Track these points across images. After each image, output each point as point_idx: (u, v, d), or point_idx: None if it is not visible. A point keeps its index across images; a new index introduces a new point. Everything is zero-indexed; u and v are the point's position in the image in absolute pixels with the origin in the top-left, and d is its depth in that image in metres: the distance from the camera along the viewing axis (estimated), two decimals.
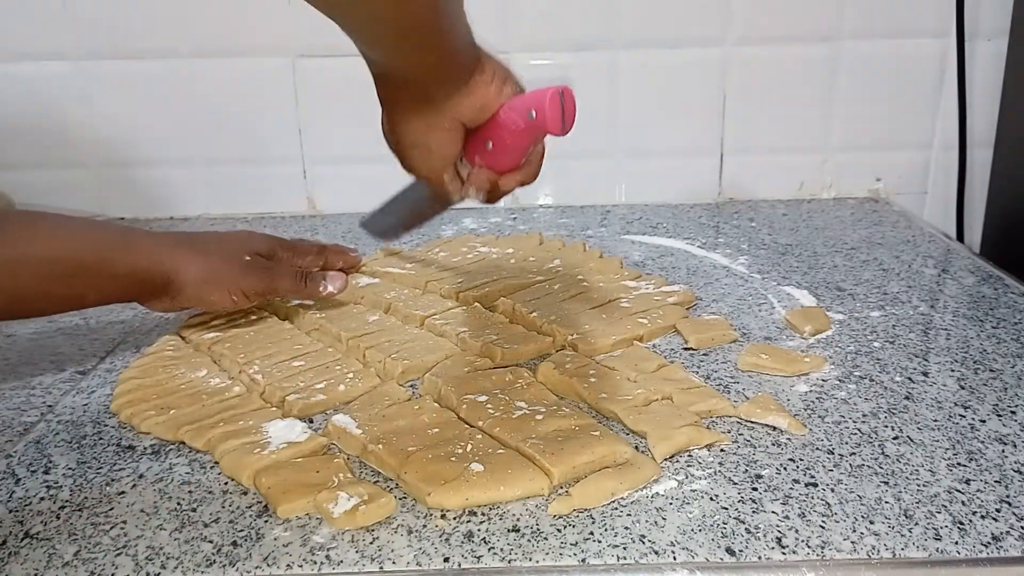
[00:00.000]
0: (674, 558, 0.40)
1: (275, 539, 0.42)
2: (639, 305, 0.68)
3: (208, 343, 0.64)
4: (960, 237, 1.04)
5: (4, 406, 0.58)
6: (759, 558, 0.40)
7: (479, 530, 0.42)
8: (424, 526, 0.43)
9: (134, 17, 0.96)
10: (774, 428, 0.51)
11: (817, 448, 0.49)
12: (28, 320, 0.73)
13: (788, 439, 0.50)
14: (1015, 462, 0.47)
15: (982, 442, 0.49)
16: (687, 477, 0.46)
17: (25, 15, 0.96)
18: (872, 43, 0.98)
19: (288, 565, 0.41)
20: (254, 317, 0.68)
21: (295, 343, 0.63)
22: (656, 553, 0.40)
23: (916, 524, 0.42)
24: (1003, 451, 0.49)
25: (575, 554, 0.41)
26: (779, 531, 0.42)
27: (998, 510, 0.43)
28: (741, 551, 0.41)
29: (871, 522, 0.42)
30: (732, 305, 0.71)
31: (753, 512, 0.43)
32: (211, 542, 0.42)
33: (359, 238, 0.92)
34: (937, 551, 0.40)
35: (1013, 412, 0.53)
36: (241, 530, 0.43)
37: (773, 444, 0.50)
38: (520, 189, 0.61)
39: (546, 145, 0.59)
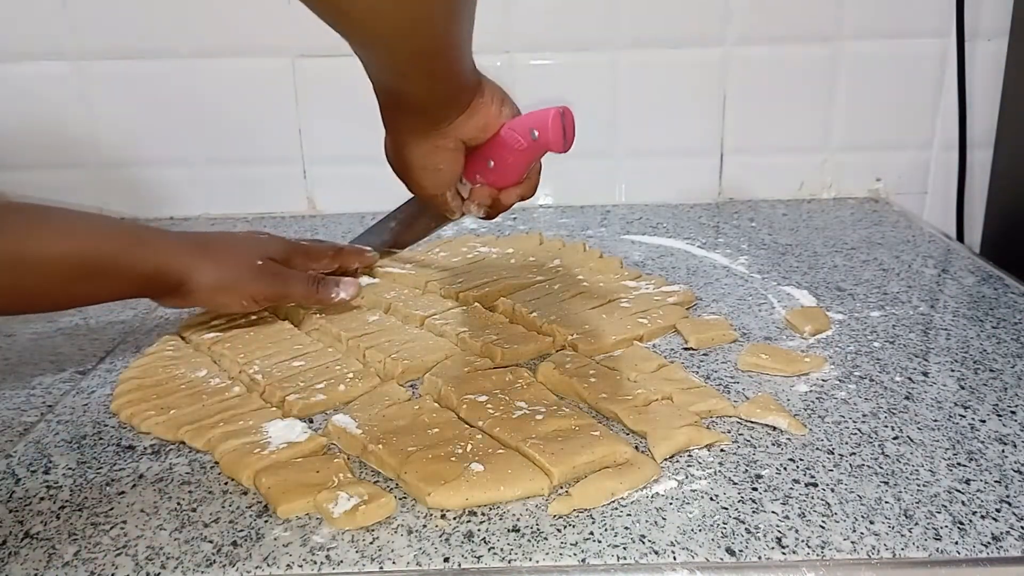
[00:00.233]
0: (674, 558, 0.40)
1: (275, 539, 0.42)
2: (639, 305, 0.68)
3: (208, 343, 0.64)
4: (960, 237, 1.04)
5: (4, 406, 0.58)
6: (759, 558, 0.40)
7: (479, 530, 0.42)
8: (424, 526, 0.43)
9: (134, 17, 0.96)
10: (774, 428, 0.51)
11: (817, 448, 0.49)
12: (28, 320, 0.73)
13: (788, 439, 0.50)
14: (1015, 462, 0.47)
15: (982, 442, 0.50)
16: (687, 477, 0.46)
17: (25, 15, 0.96)
18: (872, 43, 0.98)
19: (288, 565, 0.41)
20: (254, 317, 0.68)
21: (295, 343, 0.63)
22: (656, 553, 0.40)
23: (916, 524, 0.42)
24: (1003, 451, 0.49)
25: (575, 554, 0.41)
26: (779, 531, 0.42)
27: (998, 510, 0.43)
28: (741, 551, 0.41)
29: (871, 522, 0.42)
30: (732, 305, 0.71)
31: (753, 512, 0.43)
32: (211, 542, 0.42)
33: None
34: (937, 551, 0.40)
35: (1013, 412, 0.53)
36: (241, 530, 0.43)
37: (773, 444, 0.50)
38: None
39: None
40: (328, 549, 0.42)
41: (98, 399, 0.58)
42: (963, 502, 0.44)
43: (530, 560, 0.40)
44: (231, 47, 0.98)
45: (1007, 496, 0.44)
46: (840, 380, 0.57)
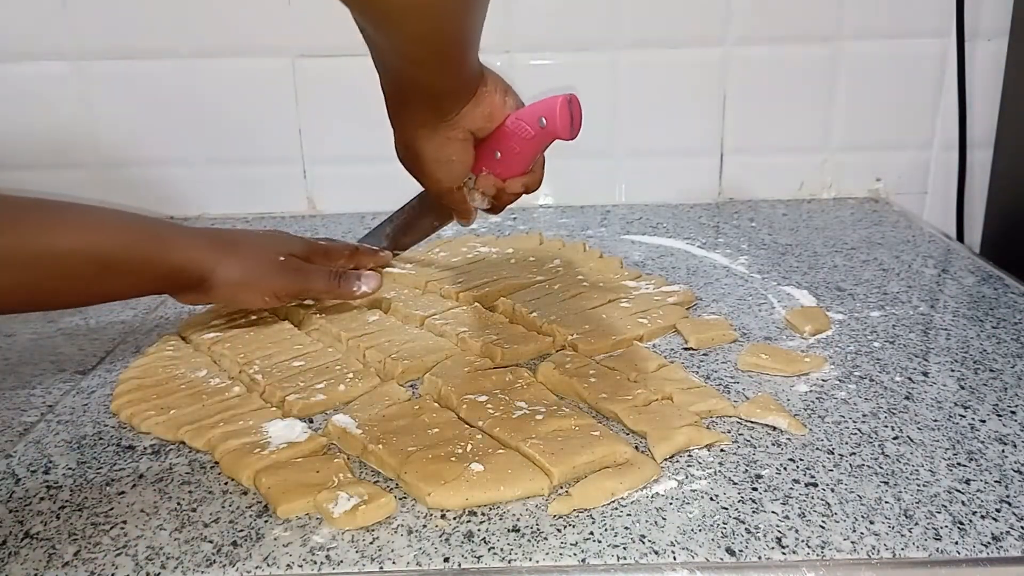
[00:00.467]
0: (674, 558, 0.40)
1: (275, 539, 0.42)
2: (639, 305, 0.68)
3: (208, 343, 0.64)
4: (960, 237, 1.04)
5: (4, 406, 0.58)
6: (759, 558, 0.40)
7: (479, 530, 0.42)
8: (424, 526, 0.43)
9: (134, 17, 0.96)
10: (774, 428, 0.51)
11: (817, 448, 0.49)
12: (28, 320, 0.73)
13: (788, 439, 0.50)
14: (1015, 462, 0.47)
15: (982, 442, 0.50)
16: (687, 477, 0.46)
17: (25, 15, 0.96)
18: (872, 43, 0.98)
19: (288, 565, 0.41)
20: (254, 317, 0.68)
21: (295, 343, 0.63)
22: (656, 553, 0.40)
23: (916, 524, 0.42)
24: (1003, 451, 0.49)
25: (575, 554, 0.41)
26: (779, 531, 0.42)
27: (998, 510, 0.43)
28: (741, 551, 0.41)
29: (871, 522, 0.42)
30: (732, 305, 0.71)
31: (753, 512, 0.43)
32: (211, 542, 0.42)
33: (358, 239, 0.92)
34: (937, 551, 0.40)
35: (1013, 412, 0.53)
36: (241, 530, 0.43)
37: (773, 444, 0.50)
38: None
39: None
40: (328, 549, 0.42)
41: (98, 399, 0.58)
42: (963, 502, 0.44)
43: (530, 560, 0.40)
44: (231, 47, 0.98)
45: (1007, 496, 0.44)
46: (840, 380, 0.57)
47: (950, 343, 0.63)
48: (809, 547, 0.41)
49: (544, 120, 0.57)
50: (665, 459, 0.48)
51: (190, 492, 0.47)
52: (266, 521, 0.44)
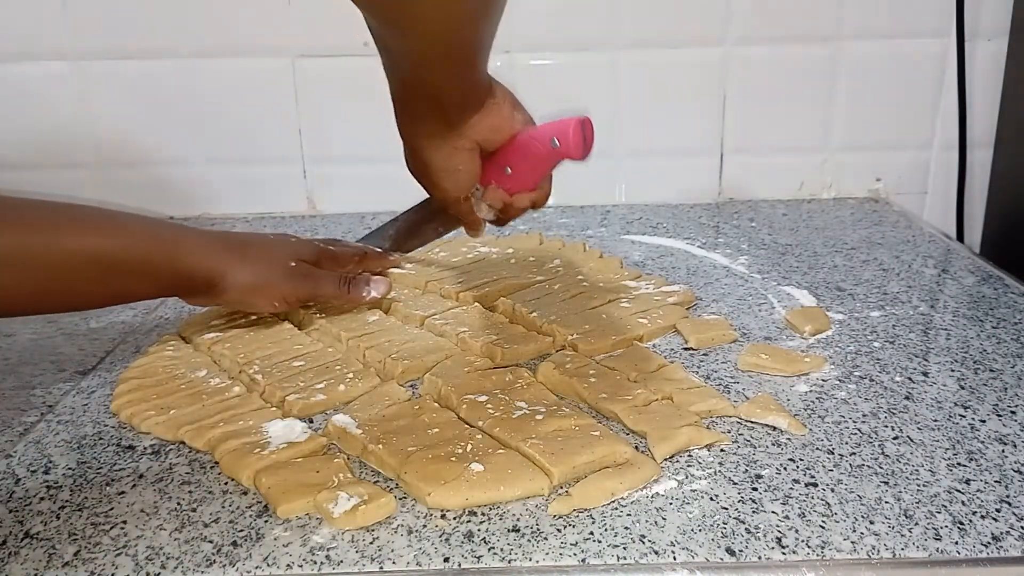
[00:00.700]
0: (674, 558, 0.40)
1: (275, 539, 0.42)
2: (639, 305, 0.68)
3: (208, 343, 0.64)
4: (960, 237, 1.04)
5: (4, 406, 0.58)
6: (759, 558, 0.40)
7: (479, 530, 0.42)
8: (424, 526, 0.43)
9: (134, 17, 0.96)
10: (774, 428, 0.51)
11: (817, 448, 0.49)
12: (28, 320, 0.73)
13: (788, 439, 0.50)
14: (1015, 462, 0.47)
15: (982, 442, 0.50)
16: (687, 477, 0.46)
17: (25, 15, 0.96)
18: (872, 43, 0.98)
19: (288, 565, 0.41)
20: (254, 317, 0.68)
21: (295, 343, 0.63)
22: (656, 553, 0.40)
23: (916, 524, 0.42)
24: (1003, 451, 0.49)
25: (575, 554, 0.41)
26: (779, 531, 0.42)
27: (998, 510, 0.43)
28: (741, 551, 0.41)
29: (871, 522, 0.42)
30: (732, 305, 0.71)
31: (753, 512, 0.43)
32: (211, 542, 0.42)
33: (358, 239, 0.92)
34: (937, 551, 0.40)
35: (1013, 412, 0.53)
36: (241, 530, 0.43)
37: (773, 444, 0.50)
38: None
39: None
40: (328, 549, 0.42)
41: (98, 399, 0.58)
42: (963, 502, 0.44)
43: (530, 560, 0.40)
44: (231, 47, 0.98)
45: (1007, 496, 0.44)
46: (840, 380, 0.57)
47: (950, 343, 0.63)
48: (809, 547, 0.41)
49: (557, 141, 0.58)
50: (665, 459, 0.48)
51: (190, 492, 0.47)
52: (266, 521, 0.44)
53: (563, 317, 0.65)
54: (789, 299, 0.72)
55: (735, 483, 0.46)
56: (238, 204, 1.04)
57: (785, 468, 0.47)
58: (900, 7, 0.97)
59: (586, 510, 0.44)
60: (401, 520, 0.43)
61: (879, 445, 0.49)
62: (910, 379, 0.57)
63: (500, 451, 0.47)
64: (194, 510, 0.45)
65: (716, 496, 0.45)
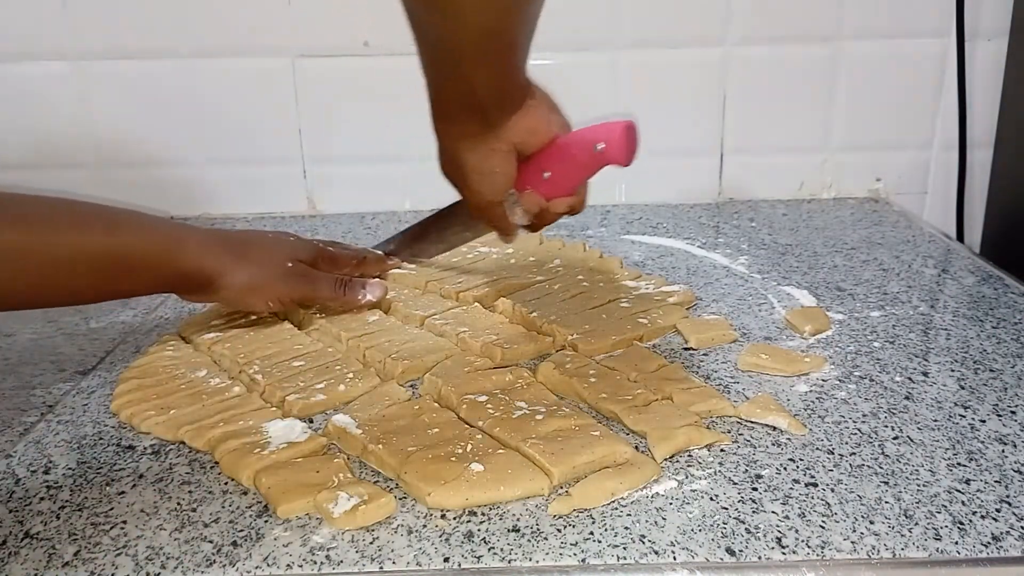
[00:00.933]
0: (674, 558, 0.40)
1: (275, 539, 0.42)
2: (639, 305, 0.68)
3: (208, 343, 0.64)
4: (960, 237, 1.04)
5: (4, 406, 0.58)
6: (759, 558, 0.40)
7: (479, 530, 0.42)
8: (424, 526, 0.43)
9: (134, 17, 0.96)
10: (774, 428, 0.51)
11: (817, 448, 0.49)
12: (28, 320, 0.73)
13: (788, 439, 0.50)
14: (1015, 462, 0.47)
15: (982, 442, 0.50)
16: (687, 477, 0.46)
17: (25, 15, 0.96)
18: (872, 43, 0.98)
19: (288, 565, 0.41)
20: (254, 317, 0.68)
21: (295, 343, 0.63)
22: (656, 553, 0.40)
23: (916, 524, 0.42)
24: (1003, 451, 0.49)
25: (575, 554, 0.41)
26: (779, 531, 0.42)
27: (998, 510, 0.43)
28: (741, 551, 0.41)
29: (871, 522, 0.42)
30: (732, 305, 0.71)
31: (753, 512, 0.43)
32: (211, 542, 0.42)
33: (358, 239, 0.92)
34: (937, 551, 0.40)
35: (1013, 412, 0.53)
36: (241, 530, 0.43)
37: (773, 444, 0.50)
38: None
39: None
40: (328, 549, 0.42)
41: (98, 399, 0.58)
42: (963, 502, 0.44)
43: (530, 560, 0.40)
44: (231, 47, 0.98)
45: (1007, 496, 0.44)
46: (840, 380, 0.57)
47: (950, 343, 0.63)
48: (809, 547, 0.41)
49: (601, 146, 0.57)
50: (665, 459, 0.48)
51: (190, 492, 0.47)
52: (266, 521, 0.44)
53: (563, 317, 0.65)
54: (789, 299, 0.72)
55: (735, 483, 0.46)
56: (238, 204, 1.04)
57: (785, 468, 0.47)
58: (900, 7, 0.97)
59: (586, 510, 0.44)
60: (401, 520, 0.43)
61: (879, 445, 0.49)
62: (910, 379, 0.57)
63: (500, 451, 0.47)
64: (194, 510, 0.45)
65: (716, 496, 0.45)
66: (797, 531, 0.42)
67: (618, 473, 0.45)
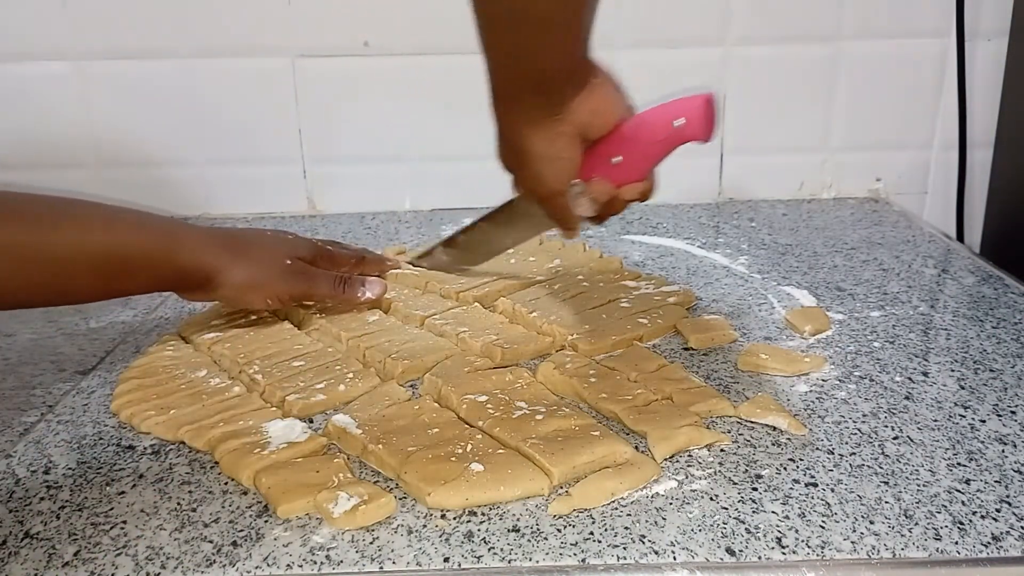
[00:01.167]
0: (674, 558, 0.40)
1: (275, 539, 0.42)
2: (639, 305, 0.68)
3: (208, 343, 0.64)
4: (960, 237, 1.04)
5: (4, 406, 0.58)
6: (759, 558, 0.40)
7: (479, 530, 0.42)
8: (424, 526, 0.43)
9: (134, 17, 0.96)
10: (774, 428, 0.51)
11: (817, 448, 0.49)
12: (28, 320, 0.73)
13: (788, 439, 0.50)
14: (1015, 462, 0.47)
15: (982, 442, 0.50)
16: (687, 477, 0.46)
17: (25, 15, 0.96)
18: (872, 43, 0.98)
19: (288, 565, 0.41)
20: (254, 317, 0.68)
21: (295, 343, 0.63)
22: (656, 553, 0.40)
23: (916, 524, 0.42)
24: (1003, 451, 0.49)
25: (575, 554, 0.41)
26: (779, 531, 0.42)
27: (998, 510, 0.43)
28: (741, 551, 0.41)
29: (871, 522, 0.42)
30: (732, 305, 0.71)
31: (753, 512, 0.43)
32: (211, 542, 0.42)
33: (358, 239, 0.92)
34: (937, 551, 0.40)
35: (1013, 412, 0.53)
36: (241, 530, 0.43)
37: (773, 444, 0.50)
38: None
39: None
40: (328, 549, 0.42)
41: (98, 399, 0.58)
42: (963, 502, 0.44)
43: (530, 560, 0.40)
44: (231, 47, 0.98)
45: (1007, 496, 0.44)
46: (840, 380, 0.57)
47: (950, 343, 0.63)
48: (809, 547, 0.41)
49: (681, 121, 0.53)
50: (665, 459, 0.48)
51: (190, 492, 0.47)
52: (266, 521, 0.44)
53: (563, 317, 0.65)
54: (789, 299, 0.72)
55: (735, 483, 0.46)
56: (238, 204, 1.04)
57: (785, 468, 0.47)
58: (900, 7, 0.97)
59: (586, 510, 0.44)
60: (401, 520, 0.43)
61: (879, 445, 0.49)
62: (910, 379, 0.57)
63: (500, 451, 0.47)
64: (194, 510, 0.45)
65: (716, 496, 0.45)
66: (797, 531, 0.42)
67: (618, 473, 0.45)
